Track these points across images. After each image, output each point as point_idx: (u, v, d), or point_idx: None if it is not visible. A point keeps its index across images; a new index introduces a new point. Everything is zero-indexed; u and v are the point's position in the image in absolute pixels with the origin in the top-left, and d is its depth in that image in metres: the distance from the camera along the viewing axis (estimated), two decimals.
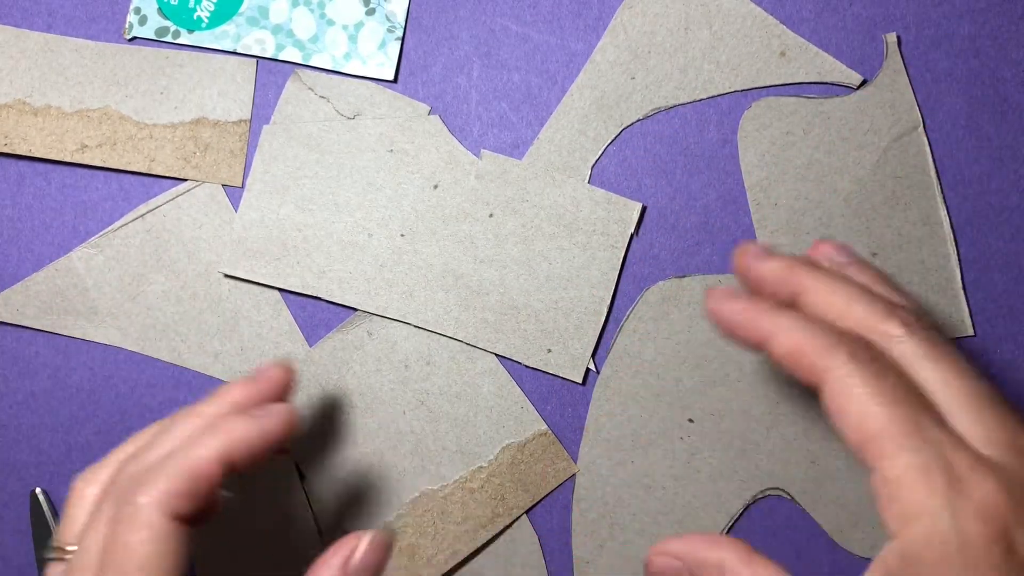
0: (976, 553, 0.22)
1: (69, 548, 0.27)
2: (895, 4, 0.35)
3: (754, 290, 0.28)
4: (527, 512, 0.36)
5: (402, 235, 0.35)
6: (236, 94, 0.36)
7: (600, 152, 0.36)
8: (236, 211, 0.36)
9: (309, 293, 0.36)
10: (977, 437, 0.24)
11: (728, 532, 0.35)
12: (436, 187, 0.35)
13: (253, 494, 0.36)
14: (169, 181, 0.36)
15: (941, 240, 0.35)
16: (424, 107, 0.36)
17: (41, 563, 0.36)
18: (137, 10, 0.36)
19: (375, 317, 0.36)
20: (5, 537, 0.37)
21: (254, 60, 0.36)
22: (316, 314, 0.36)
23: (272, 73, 0.36)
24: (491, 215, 0.35)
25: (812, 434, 0.35)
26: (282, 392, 0.31)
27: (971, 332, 0.35)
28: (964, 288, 0.35)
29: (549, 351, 0.35)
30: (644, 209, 0.35)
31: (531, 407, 0.35)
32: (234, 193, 0.36)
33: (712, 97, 0.35)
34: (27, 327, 0.37)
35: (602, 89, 0.35)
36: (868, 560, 0.31)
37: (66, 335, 0.36)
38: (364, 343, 0.36)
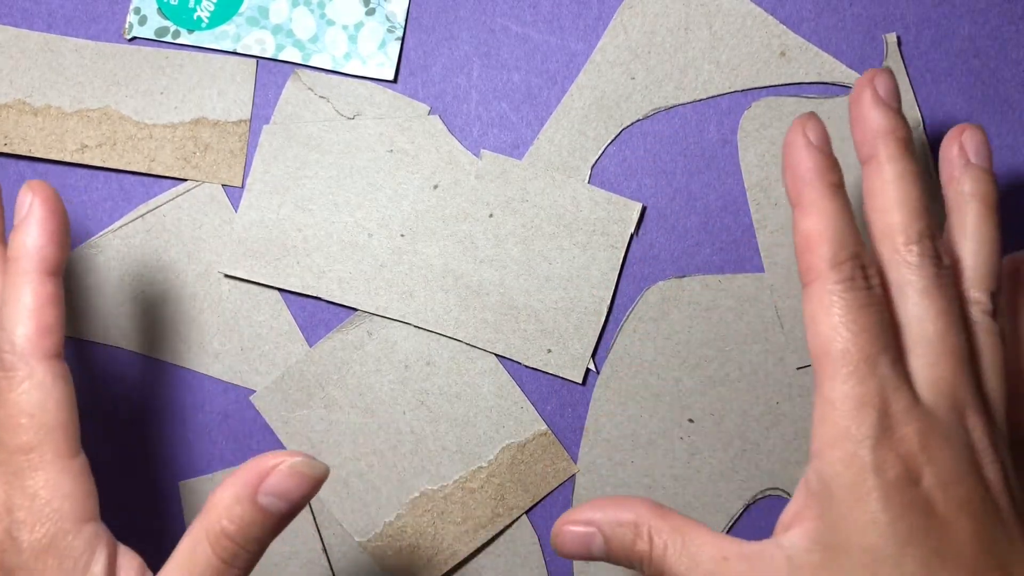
0: (886, 484, 0.24)
1: None
2: (895, 4, 0.35)
3: (852, 119, 0.29)
4: (527, 512, 0.36)
5: (402, 235, 0.35)
6: (236, 94, 0.36)
7: (600, 152, 0.36)
8: (236, 211, 0.36)
9: (309, 293, 0.36)
10: (925, 380, 0.26)
11: (728, 532, 0.35)
12: (436, 187, 0.35)
13: None
14: (169, 181, 0.36)
15: None
16: (424, 107, 0.36)
17: None
18: (137, 10, 0.36)
19: (375, 317, 0.36)
20: None
21: (254, 60, 0.36)
22: (316, 314, 0.36)
23: (272, 73, 0.36)
24: (491, 215, 0.35)
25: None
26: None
27: None
28: None
29: (549, 351, 0.35)
30: (644, 209, 0.35)
31: (531, 407, 0.36)
32: (234, 193, 0.36)
33: (712, 97, 0.35)
34: None
35: (602, 89, 0.35)
36: None
37: (66, 335, 0.36)
38: (364, 343, 0.36)
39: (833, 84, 0.35)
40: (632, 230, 0.35)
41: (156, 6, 0.36)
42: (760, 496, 0.35)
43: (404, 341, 0.36)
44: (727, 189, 0.35)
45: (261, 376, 0.36)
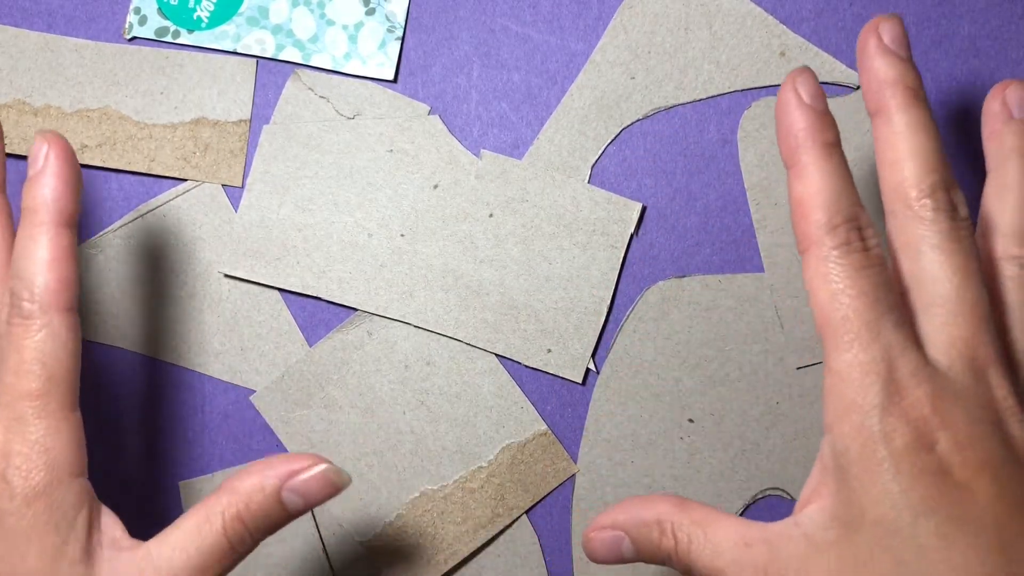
0: (897, 453, 0.23)
1: None
2: (895, 4, 0.35)
3: (859, 71, 0.28)
4: (527, 512, 0.36)
5: (402, 235, 0.35)
6: (236, 94, 0.36)
7: (600, 152, 0.36)
8: (236, 211, 0.36)
9: (309, 293, 0.36)
10: (939, 343, 0.24)
11: None
12: (436, 187, 0.35)
13: None
14: (169, 181, 0.36)
15: None
16: (424, 107, 0.36)
17: None
18: (137, 10, 0.36)
19: (375, 317, 0.36)
20: None
21: (254, 60, 0.36)
22: (316, 314, 0.36)
23: (272, 73, 0.36)
24: (491, 215, 0.35)
25: (812, 434, 0.35)
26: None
27: None
28: None
29: (549, 351, 0.35)
30: (644, 209, 0.35)
31: (531, 407, 0.36)
32: (234, 193, 0.36)
33: (712, 97, 0.35)
34: None
35: (602, 89, 0.35)
36: None
37: None
38: (364, 343, 0.36)
39: (833, 84, 0.35)
40: (632, 230, 0.35)
41: (156, 6, 0.36)
42: (760, 496, 0.35)
43: (404, 341, 0.36)
44: (727, 189, 0.35)
45: (261, 376, 0.36)
